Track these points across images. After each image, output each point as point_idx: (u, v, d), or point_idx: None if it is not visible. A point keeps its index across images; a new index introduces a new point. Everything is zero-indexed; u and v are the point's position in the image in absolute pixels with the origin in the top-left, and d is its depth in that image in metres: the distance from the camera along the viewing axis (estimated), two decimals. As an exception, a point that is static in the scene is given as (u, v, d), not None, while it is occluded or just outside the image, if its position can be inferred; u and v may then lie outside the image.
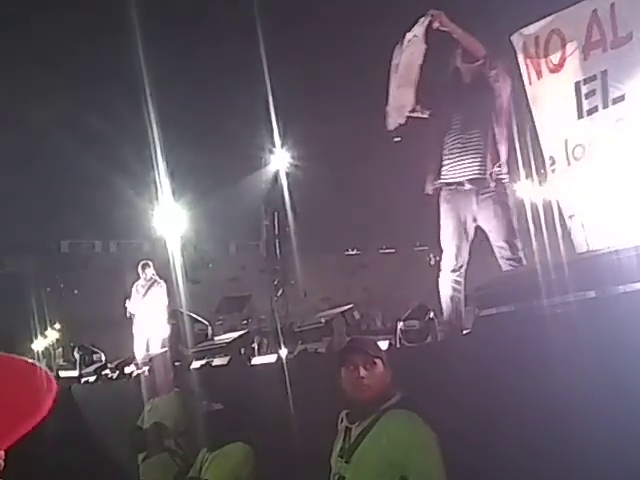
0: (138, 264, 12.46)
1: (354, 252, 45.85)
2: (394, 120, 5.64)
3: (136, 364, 9.19)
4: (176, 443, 5.79)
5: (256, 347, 8.11)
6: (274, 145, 25.36)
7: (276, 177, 25.34)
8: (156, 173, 19.81)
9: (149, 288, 12.13)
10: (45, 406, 1.22)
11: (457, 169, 5.45)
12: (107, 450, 8.69)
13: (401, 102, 5.56)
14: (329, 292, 32.73)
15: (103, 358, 11.22)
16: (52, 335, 32.06)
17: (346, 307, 6.01)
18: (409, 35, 5.40)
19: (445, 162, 5.51)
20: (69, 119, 30.42)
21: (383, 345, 4.68)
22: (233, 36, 28.88)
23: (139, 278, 12.30)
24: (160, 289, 12.07)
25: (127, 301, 12.30)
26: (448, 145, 5.51)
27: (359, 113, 37.32)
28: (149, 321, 11.75)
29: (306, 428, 4.67)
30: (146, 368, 6.63)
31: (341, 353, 3.53)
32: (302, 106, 28.93)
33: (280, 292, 23.49)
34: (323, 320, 5.98)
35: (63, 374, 11.45)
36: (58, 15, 30.64)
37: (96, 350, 11.50)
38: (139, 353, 11.11)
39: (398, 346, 5.25)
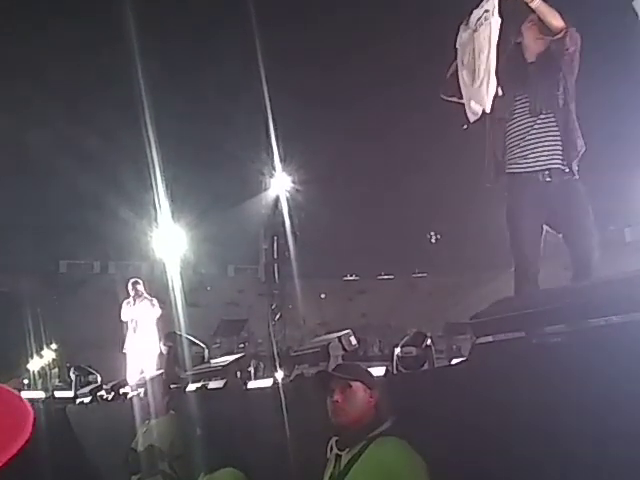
0: (128, 282, 12.60)
1: (353, 277, 45.88)
2: (475, 110, 4.93)
3: (132, 386, 9.17)
4: (170, 466, 5.76)
5: (252, 371, 8.10)
6: (274, 169, 25.52)
7: (276, 201, 25.45)
8: (155, 195, 19.89)
9: (140, 303, 12.25)
10: (23, 435, 1.19)
11: (527, 158, 4.88)
12: (101, 472, 8.64)
13: (482, 90, 4.81)
14: (327, 317, 32.70)
15: (99, 379, 11.19)
16: (48, 355, 31.93)
17: (343, 332, 6.00)
18: (477, 12, 4.81)
19: (512, 150, 4.96)
20: (68, 139, 30.54)
21: (379, 371, 4.68)
22: (233, 58, 29.09)
23: (128, 296, 12.43)
24: (152, 305, 12.19)
25: (122, 317, 12.40)
26: (515, 131, 4.97)
27: (361, 137, 37.65)
28: (142, 342, 11.82)
29: (300, 454, 4.65)
30: (142, 390, 6.61)
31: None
32: (303, 130, 29.11)
33: (278, 316, 23.51)
34: (320, 345, 5.97)
35: (58, 394, 11.42)
36: (57, 34, 30.89)
37: (92, 371, 11.47)
38: (132, 374, 11.13)
39: (394, 372, 5.23)
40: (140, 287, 12.46)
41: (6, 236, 34.59)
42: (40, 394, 12.66)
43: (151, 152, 18.52)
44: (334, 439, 3.38)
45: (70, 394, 11.23)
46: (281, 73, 25.66)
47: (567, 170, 4.81)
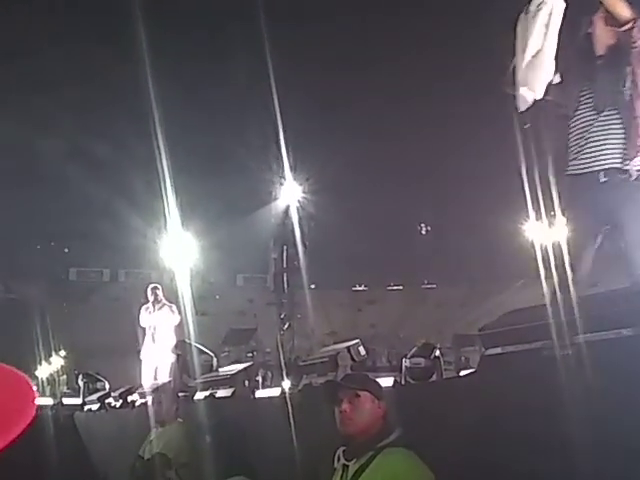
0: (147, 287, 12.50)
1: (362, 288, 45.81)
2: (526, 98, 4.65)
3: (140, 393, 9.18)
4: (177, 474, 5.76)
5: (260, 380, 8.11)
6: (284, 178, 25.54)
7: (286, 211, 25.46)
8: (165, 204, 19.92)
9: (159, 310, 12.14)
10: (27, 415, 1.20)
11: (586, 157, 4.63)
12: (108, 479, 8.65)
13: (535, 74, 4.55)
14: (335, 327, 32.65)
15: (107, 386, 11.21)
16: (57, 362, 31.99)
17: (352, 342, 6.00)
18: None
19: (572, 149, 4.71)
20: (80, 147, 30.68)
21: (388, 382, 4.68)
22: (244, 67, 29.17)
23: (147, 302, 12.34)
24: (171, 311, 12.08)
25: (140, 322, 12.30)
26: (577, 128, 4.69)
27: (372, 147, 37.67)
28: (160, 349, 11.75)
29: (308, 463, 4.65)
30: (150, 398, 6.62)
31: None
32: (313, 139, 29.11)
33: (286, 326, 23.47)
34: (328, 355, 5.97)
35: (67, 401, 11.45)
36: (67, 43, 31.08)
37: (100, 378, 11.50)
38: (147, 380, 11.11)
39: (403, 383, 5.23)
40: (159, 293, 12.35)
41: (17, 243, 34.74)
42: (48, 401, 12.69)
43: (161, 161, 18.55)
44: (341, 449, 3.37)
45: (78, 401, 11.26)
46: (292, 82, 25.70)
47: (625, 170, 4.54)
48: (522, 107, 4.69)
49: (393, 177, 39.34)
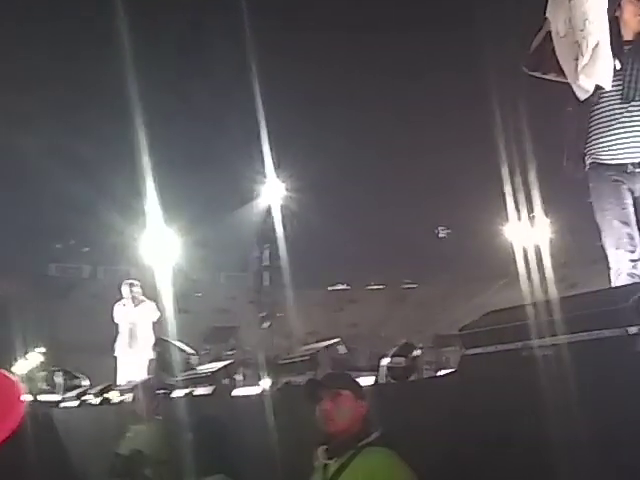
0: (122, 283, 12.33)
1: (343, 287, 45.87)
2: (586, 86, 4.35)
3: (119, 390, 9.13)
4: (155, 472, 5.73)
5: (240, 378, 8.07)
6: (267, 176, 25.52)
7: (268, 209, 25.45)
8: (147, 201, 19.83)
9: (137, 307, 12.02)
10: (15, 416, 1.17)
11: (614, 149, 4.48)
12: (85, 476, 8.59)
13: (601, 65, 4.23)
14: (316, 326, 32.66)
15: (85, 383, 11.13)
16: (35, 358, 31.76)
17: (332, 341, 5.99)
18: None
19: (597, 139, 4.57)
20: (60, 143, 30.52)
21: (368, 381, 4.67)
22: (226, 65, 29.13)
23: (122, 298, 12.20)
24: (150, 308, 11.97)
25: (114, 319, 12.18)
26: (602, 117, 4.53)
27: (354, 146, 37.71)
28: (137, 345, 11.67)
29: (287, 462, 4.64)
30: (128, 395, 6.58)
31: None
32: (296, 138, 29.13)
33: (267, 324, 23.47)
34: (308, 354, 5.96)
35: (44, 398, 11.35)
36: (49, 42, 30.90)
37: (79, 375, 11.41)
38: (122, 377, 11.04)
39: (383, 383, 5.22)
40: (136, 289, 12.19)
41: (-4, 238, 34.49)
42: (26, 397, 12.57)
43: (143, 158, 18.46)
44: (322, 447, 3.37)
45: (56, 398, 11.17)
46: (274, 80, 25.69)
47: None
48: (582, 97, 4.43)
49: (375, 176, 39.44)
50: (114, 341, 12.13)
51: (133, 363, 11.48)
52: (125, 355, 11.87)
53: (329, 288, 44.64)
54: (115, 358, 11.97)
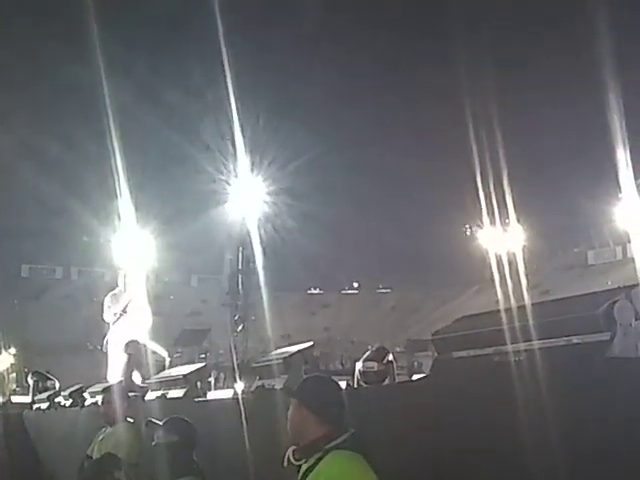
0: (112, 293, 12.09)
1: (317, 291, 45.90)
2: None
3: (90, 392, 9.08)
4: (127, 475, 5.69)
5: (213, 381, 8.07)
6: (241, 179, 25.47)
7: (242, 212, 25.39)
8: (120, 203, 19.71)
9: (128, 313, 11.82)
10: None
11: None
12: (56, 478, 8.54)
13: None
14: (290, 330, 32.66)
15: (57, 385, 11.05)
16: (7, 360, 31.44)
17: (305, 345, 6.00)
18: None
19: None
20: (33, 144, 30.30)
21: (341, 385, 4.68)
22: (200, 69, 29.08)
23: (113, 304, 11.99)
24: (142, 314, 11.81)
25: (105, 315, 11.94)
26: None
27: (330, 150, 37.74)
28: (113, 347, 11.50)
29: (259, 464, 4.64)
30: (100, 397, 6.54)
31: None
32: (271, 142, 29.12)
33: (240, 327, 23.43)
34: (281, 357, 5.96)
35: (16, 399, 11.27)
36: (24, 44, 30.68)
37: (50, 377, 11.33)
38: (112, 376, 10.92)
39: (355, 386, 5.24)
40: (126, 297, 11.96)
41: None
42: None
43: (116, 160, 18.32)
44: (291, 449, 3.37)
45: (27, 399, 11.09)
46: (249, 84, 25.67)
47: None
48: None
49: (351, 180, 39.53)
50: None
51: (108, 365, 11.36)
52: (115, 354, 11.66)
53: (303, 292, 44.65)
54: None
